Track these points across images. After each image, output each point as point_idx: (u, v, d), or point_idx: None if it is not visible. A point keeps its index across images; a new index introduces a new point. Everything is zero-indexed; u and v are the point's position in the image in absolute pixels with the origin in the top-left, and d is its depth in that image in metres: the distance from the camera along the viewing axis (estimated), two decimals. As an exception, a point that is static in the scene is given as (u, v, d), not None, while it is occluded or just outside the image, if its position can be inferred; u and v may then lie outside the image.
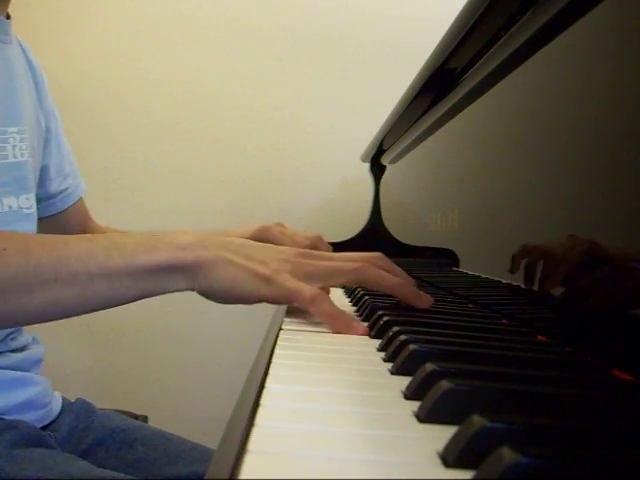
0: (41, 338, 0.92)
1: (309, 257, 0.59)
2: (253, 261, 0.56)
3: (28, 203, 0.82)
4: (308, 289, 0.54)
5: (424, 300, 0.59)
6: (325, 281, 0.58)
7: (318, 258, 0.59)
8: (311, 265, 0.58)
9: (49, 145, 0.95)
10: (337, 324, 0.53)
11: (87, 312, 0.58)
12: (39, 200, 0.90)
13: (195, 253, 0.55)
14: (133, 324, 1.69)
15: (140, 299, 0.56)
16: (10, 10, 0.86)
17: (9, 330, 0.81)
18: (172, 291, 0.56)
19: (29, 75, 0.90)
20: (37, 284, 0.52)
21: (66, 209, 0.99)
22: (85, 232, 1.03)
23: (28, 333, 0.89)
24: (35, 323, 0.58)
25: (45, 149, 0.93)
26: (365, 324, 0.55)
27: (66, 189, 0.99)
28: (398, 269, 0.61)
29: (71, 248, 0.54)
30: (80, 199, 1.03)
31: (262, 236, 0.98)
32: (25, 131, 0.83)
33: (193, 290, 0.56)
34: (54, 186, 0.96)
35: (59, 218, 0.98)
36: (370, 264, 0.58)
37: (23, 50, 0.90)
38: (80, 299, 0.54)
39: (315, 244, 0.97)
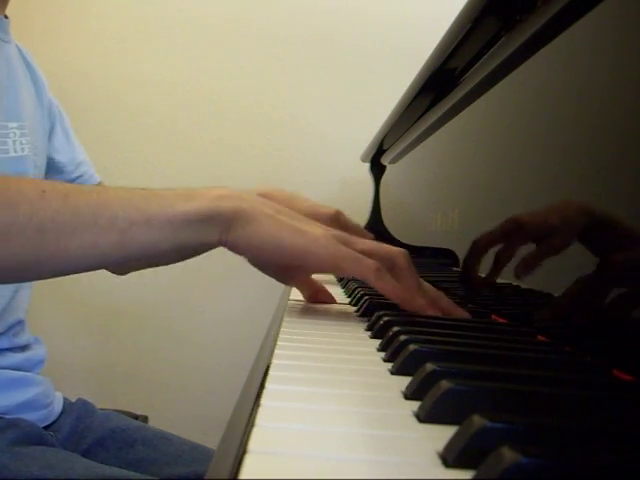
0: (43, 338, 0.92)
1: (338, 239, 0.56)
2: (299, 221, 0.54)
3: None
4: (372, 261, 0.52)
5: (424, 310, 0.56)
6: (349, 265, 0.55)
7: (344, 242, 0.56)
8: (353, 239, 0.56)
9: (55, 132, 0.95)
10: (404, 302, 0.53)
11: (124, 260, 0.56)
12: None
13: (233, 203, 0.54)
14: (134, 324, 1.69)
15: (177, 249, 0.55)
16: (9, 10, 0.87)
17: (12, 323, 0.81)
18: (208, 242, 0.55)
19: (27, 75, 0.91)
20: (75, 228, 0.51)
21: None
22: None
23: (31, 333, 0.89)
24: (74, 272, 0.56)
25: (50, 140, 0.94)
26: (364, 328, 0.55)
27: (81, 176, 0.99)
28: (413, 273, 0.57)
29: (110, 195, 0.54)
30: (99, 186, 1.02)
31: None
32: (25, 127, 0.84)
33: (226, 244, 0.55)
34: (66, 174, 0.97)
35: None
36: (381, 267, 0.55)
37: (20, 51, 0.91)
38: (118, 245, 0.53)
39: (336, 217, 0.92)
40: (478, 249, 0.63)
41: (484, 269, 0.67)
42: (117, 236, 0.52)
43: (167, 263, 0.98)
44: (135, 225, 0.52)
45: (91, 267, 0.56)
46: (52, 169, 0.95)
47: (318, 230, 0.54)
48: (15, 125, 0.82)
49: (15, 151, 0.82)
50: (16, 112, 0.83)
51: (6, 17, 0.86)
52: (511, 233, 0.57)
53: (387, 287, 0.54)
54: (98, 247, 0.52)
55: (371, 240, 0.59)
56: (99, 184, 1.02)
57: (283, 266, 0.60)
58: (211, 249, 0.57)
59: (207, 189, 0.56)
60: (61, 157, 0.96)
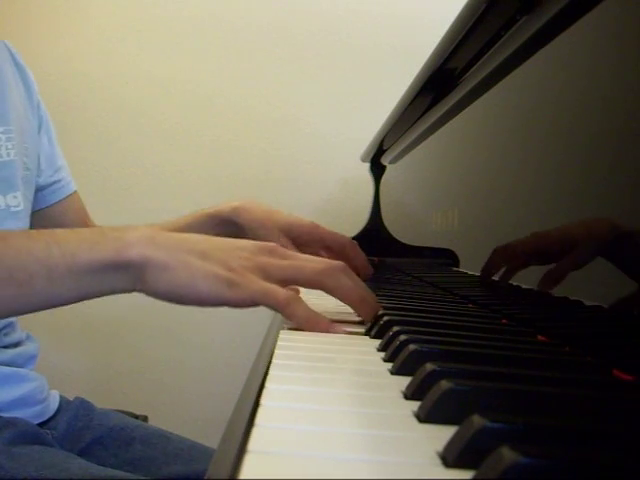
0: (40, 338, 0.92)
1: (272, 254, 0.55)
2: (211, 261, 0.51)
3: (15, 201, 0.83)
4: (282, 291, 0.50)
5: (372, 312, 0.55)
6: (286, 281, 0.54)
7: (282, 256, 0.55)
8: (273, 265, 0.53)
9: (40, 134, 0.94)
10: (316, 327, 0.51)
11: (27, 312, 0.55)
12: None
13: (141, 251, 0.51)
14: (133, 324, 1.69)
15: (84, 299, 0.53)
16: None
17: (1, 325, 0.81)
18: (118, 292, 0.53)
19: (17, 76, 0.91)
20: None
21: (59, 203, 0.97)
22: None
23: (22, 330, 0.89)
24: None
25: (38, 141, 0.94)
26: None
27: (58, 181, 0.97)
28: (358, 280, 0.56)
29: (9, 244, 0.51)
30: (75, 194, 1.00)
31: (230, 219, 0.87)
32: (12, 131, 0.84)
33: (140, 292, 0.52)
34: (44, 177, 0.95)
35: (53, 213, 0.96)
36: (333, 268, 0.54)
37: (10, 52, 0.91)
38: (18, 299, 0.51)
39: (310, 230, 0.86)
40: (499, 258, 0.63)
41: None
42: (15, 289, 0.50)
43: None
44: (35, 278, 0.50)
45: None
46: None
47: (234, 266, 0.52)
48: (1, 130, 0.82)
49: (0, 156, 0.82)
50: (2, 115, 0.83)
51: None
52: (534, 249, 0.56)
53: (302, 316, 0.51)
54: None
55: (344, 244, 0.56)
56: (74, 193, 1.00)
57: None
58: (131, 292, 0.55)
59: (120, 231, 0.53)
60: (42, 158, 0.95)
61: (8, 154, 0.83)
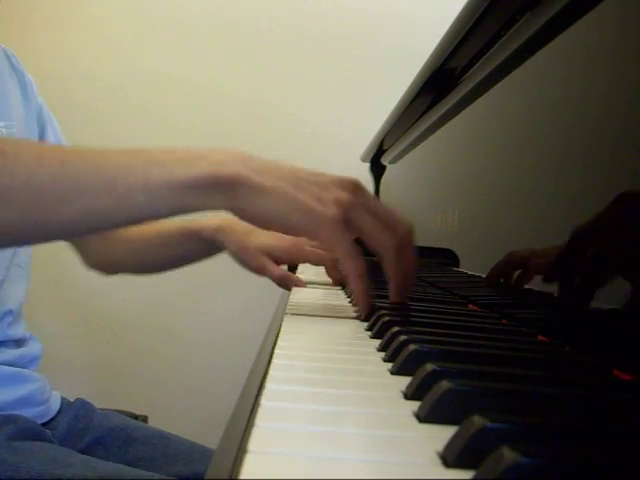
0: (41, 338, 0.92)
1: (356, 196, 0.55)
2: (305, 193, 0.53)
3: None
4: (359, 260, 0.53)
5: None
6: (362, 236, 0.56)
7: (364, 203, 0.55)
8: (360, 217, 0.54)
9: (46, 133, 0.95)
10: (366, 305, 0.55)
11: (123, 225, 0.56)
12: None
13: (237, 170, 0.52)
14: (133, 324, 1.69)
15: (179, 214, 0.54)
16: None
17: (6, 312, 0.82)
18: (212, 209, 0.53)
19: (14, 80, 0.91)
20: (73, 192, 0.50)
21: None
22: None
23: (25, 329, 0.89)
24: (72, 236, 0.56)
25: (42, 140, 0.94)
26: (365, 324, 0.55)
27: None
28: (413, 255, 0.58)
29: (109, 159, 0.52)
30: None
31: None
32: (13, 126, 0.84)
33: (232, 211, 0.53)
34: None
35: None
36: (397, 252, 0.55)
37: (7, 57, 0.92)
38: (117, 211, 0.51)
39: None
40: (511, 262, 0.63)
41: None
42: (115, 201, 0.51)
43: (163, 270, 0.98)
44: (134, 190, 0.51)
45: (89, 231, 0.55)
46: None
47: (327, 201, 0.53)
48: (2, 124, 0.83)
49: None
50: (3, 112, 0.83)
51: None
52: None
53: (355, 287, 0.55)
54: (96, 211, 0.51)
55: (378, 212, 0.57)
56: None
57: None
58: (213, 253, 0.57)
59: (210, 151, 0.54)
60: None
61: None
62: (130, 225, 0.56)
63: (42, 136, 0.95)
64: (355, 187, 0.55)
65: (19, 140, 0.72)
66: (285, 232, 0.55)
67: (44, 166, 0.50)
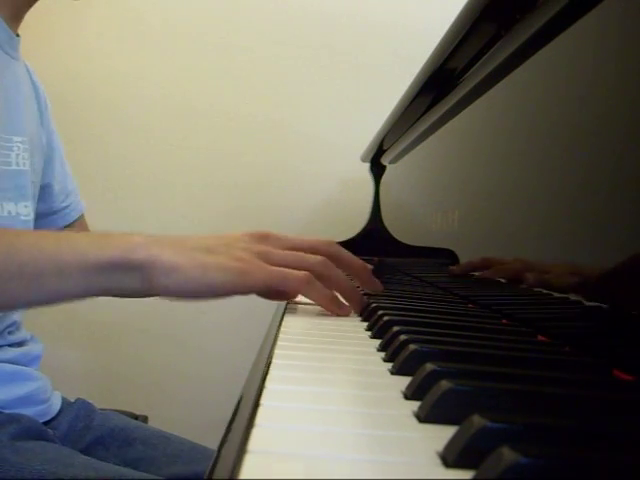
0: (42, 339, 0.92)
1: (266, 240, 0.58)
2: (218, 255, 0.54)
3: (26, 211, 0.85)
4: (294, 276, 0.54)
5: (343, 310, 0.60)
6: (288, 267, 0.56)
7: (276, 241, 0.58)
8: (274, 253, 0.56)
9: (53, 163, 0.98)
10: (333, 307, 0.57)
11: (36, 306, 0.56)
12: (42, 216, 0.94)
13: (146, 251, 0.52)
14: (133, 324, 1.69)
15: (92, 296, 0.54)
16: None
17: (6, 324, 0.82)
18: (127, 291, 0.54)
19: (33, 95, 0.94)
20: None
21: (67, 226, 1.02)
22: None
23: (26, 332, 0.89)
24: None
25: (48, 166, 0.97)
26: (365, 324, 0.55)
27: (68, 206, 1.02)
28: (336, 276, 0.59)
29: (21, 240, 0.53)
30: (82, 216, 1.05)
31: None
32: (27, 142, 0.86)
33: (151, 292, 0.53)
34: (57, 202, 1.00)
35: None
36: (310, 277, 0.56)
37: (28, 71, 0.93)
38: (29, 292, 0.52)
39: None
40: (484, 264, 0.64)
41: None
42: (26, 283, 0.51)
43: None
44: (44, 273, 0.51)
45: (2, 310, 0.56)
46: (47, 195, 0.97)
47: (240, 255, 0.54)
48: (19, 140, 0.84)
49: (17, 164, 0.84)
50: (21, 127, 0.85)
51: (17, 35, 0.87)
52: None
53: (320, 297, 0.57)
54: (7, 293, 0.51)
55: (295, 245, 0.59)
56: (81, 216, 1.04)
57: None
58: (147, 296, 0.56)
59: (123, 235, 0.54)
60: (56, 186, 0.99)
61: (24, 164, 0.85)
62: (42, 306, 0.55)
63: (51, 161, 0.97)
64: (263, 235, 0.59)
65: None
66: (214, 297, 0.54)
67: None
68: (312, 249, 0.59)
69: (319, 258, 0.58)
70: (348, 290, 0.61)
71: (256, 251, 0.55)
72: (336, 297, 0.60)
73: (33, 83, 0.94)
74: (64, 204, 1.01)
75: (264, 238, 0.58)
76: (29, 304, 0.55)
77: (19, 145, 0.84)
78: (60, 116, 1.03)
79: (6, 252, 0.51)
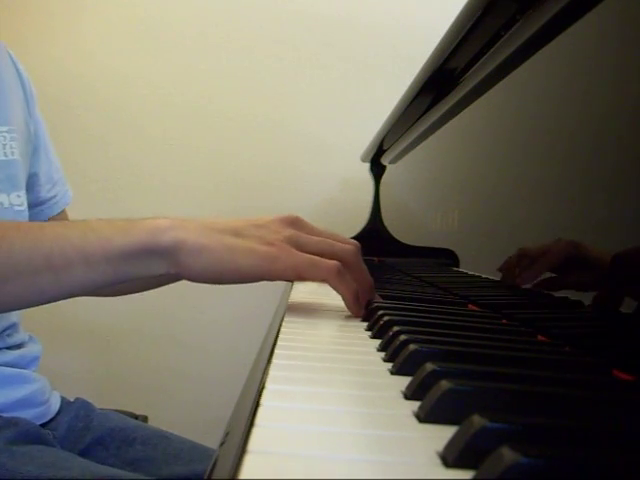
0: (40, 339, 0.92)
1: (295, 225, 0.56)
2: (247, 238, 0.53)
3: (19, 200, 0.84)
4: (326, 265, 0.53)
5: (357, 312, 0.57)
6: (317, 255, 0.55)
7: (305, 227, 0.57)
8: (304, 238, 0.55)
9: (38, 152, 0.96)
10: (355, 303, 0.54)
11: (65, 297, 0.56)
12: (29, 207, 0.91)
13: (173, 235, 0.52)
14: (133, 324, 1.69)
15: (120, 283, 0.55)
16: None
17: (4, 326, 0.82)
18: (153, 275, 0.54)
19: (18, 84, 0.92)
20: (10, 271, 0.51)
21: (53, 217, 0.99)
22: None
23: (25, 331, 0.89)
24: (12, 310, 0.57)
25: (34, 156, 0.95)
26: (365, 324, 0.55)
27: (55, 196, 0.99)
28: (362, 269, 0.58)
29: (45, 232, 0.53)
30: (63, 211, 1.02)
31: None
32: (15, 131, 0.84)
33: (177, 274, 0.53)
34: (43, 192, 0.97)
35: None
36: (340, 267, 0.55)
37: (12, 60, 0.92)
38: (57, 284, 0.52)
39: None
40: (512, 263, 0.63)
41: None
42: (53, 275, 0.51)
43: (137, 291, 0.99)
44: (72, 263, 0.51)
45: (32, 305, 0.56)
46: (33, 185, 0.95)
47: (270, 240, 0.53)
48: (5, 129, 0.83)
49: (5, 155, 0.82)
50: (5, 116, 0.84)
51: None
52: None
53: (348, 290, 0.55)
54: (35, 287, 0.52)
55: (322, 235, 0.58)
56: (63, 213, 1.02)
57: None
58: (170, 281, 0.56)
59: (147, 220, 0.54)
60: (42, 175, 0.97)
61: (12, 153, 0.83)
62: (70, 297, 0.56)
63: (37, 150, 0.95)
64: (293, 220, 0.56)
65: None
66: (240, 281, 0.53)
67: None
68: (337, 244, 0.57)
69: (350, 247, 0.56)
70: (368, 289, 0.58)
71: (286, 235, 0.54)
72: (361, 292, 0.57)
73: (18, 72, 0.93)
74: (50, 194, 0.98)
75: (294, 222, 0.56)
76: (59, 296, 0.55)
77: (5, 135, 0.83)
78: (58, 117, 1.03)
79: (32, 246, 0.51)
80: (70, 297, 0.56)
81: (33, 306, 0.56)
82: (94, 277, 0.52)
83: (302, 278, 0.54)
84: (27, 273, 0.51)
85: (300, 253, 0.53)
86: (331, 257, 0.55)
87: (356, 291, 0.55)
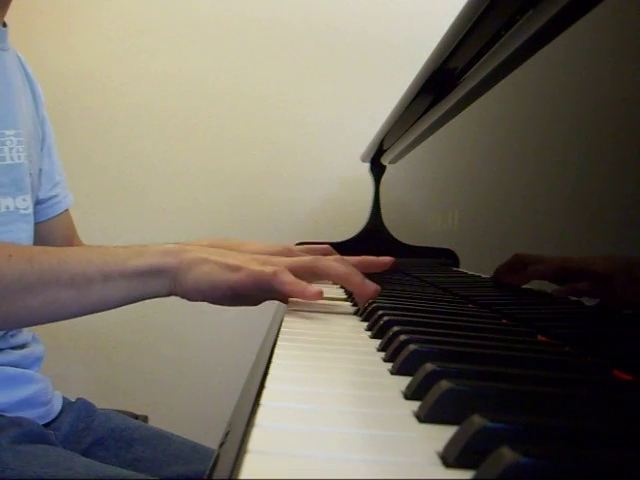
0: (42, 338, 0.92)
1: (266, 260, 0.64)
2: (226, 257, 0.62)
3: (25, 204, 0.84)
4: (269, 268, 0.59)
5: (370, 289, 0.62)
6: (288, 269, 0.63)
7: (274, 262, 0.64)
8: (275, 261, 0.63)
9: (42, 152, 0.96)
10: (297, 292, 0.59)
11: (84, 313, 0.63)
12: None
13: (179, 257, 0.61)
14: (133, 324, 1.69)
15: (130, 301, 0.63)
16: (9, 12, 0.87)
17: None
18: (158, 294, 0.62)
19: (26, 85, 0.92)
20: (40, 286, 0.58)
21: (52, 218, 0.98)
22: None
23: (28, 331, 0.89)
24: (37, 324, 0.65)
25: (40, 155, 0.95)
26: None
27: (55, 196, 0.99)
28: (351, 267, 0.64)
29: (70, 255, 0.61)
30: (67, 212, 1.02)
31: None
32: (21, 134, 0.84)
33: (175, 294, 0.62)
34: (43, 192, 0.96)
35: (44, 227, 0.96)
36: (324, 257, 0.64)
37: (20, 61, 0.92)
38: (78, 300, 0.60)
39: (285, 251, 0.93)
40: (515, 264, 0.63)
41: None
42: (76, 292, 0.60)
43: None
44: (93, 281, 0.60)
45: (56, 319, 0.64)
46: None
47: (244, 258, 0.62)
48: (12, 133, 0.83)
49: (12, 159, 0.83)
50: (13, 120, 0.84)
51: (4, 25, 0.86)
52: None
53: (285, 283, 0.60)
54: (59, 303, 0.60)
55: (302, 258, 0.66)
56: (66, 211, 1.02)
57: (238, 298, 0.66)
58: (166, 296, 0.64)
59: (156, 246, 0.63)
60: (43, 172, 0.96)
61: (19, 157, 0.84)
62: (87, 314, 0.64)
63: (42, 148, 0.95)
64: (283, 252, 0.68)
65: None
66: (213, 294, 0.62)
67: (13, 265, 0.58)
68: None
69: (312, 257, 0.64)
70: (342, 275, 0.63)
71: (263, 259, 0.63)
72: (301, 283, 0.61)
73: (26, 73, 0.93)
74: (51, 193, 0.98)
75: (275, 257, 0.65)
76: (77, 312, 0.62)
77: (12, 139, 0.83)
78: (64, 115, 1.03)
79: (57, 265, 0.59)
80: (86, 314, 0.63)
81: (55, 320, 0.64)
82: (110, 294, 0.61)
83: (267, 286, 0.60)
84: (54, 289, 0.58)
85: (258, 266, 0.60)
86: (301, 269, 0.63)
87: (294, 282, 0.60)
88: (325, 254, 0.85)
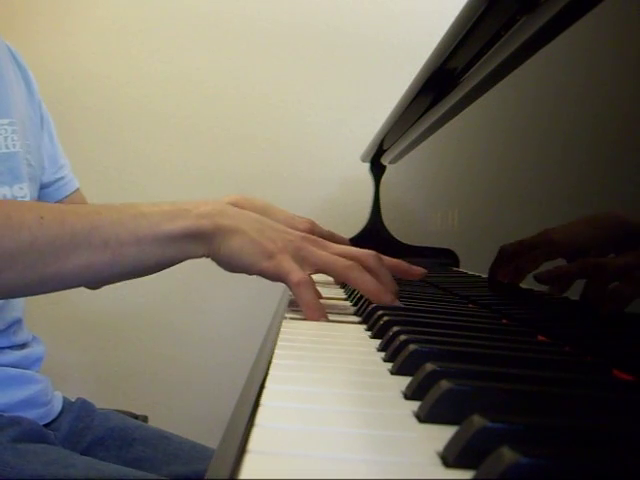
0: (42, 338, 0.92)
1: (313, 243, 0.61)
2: (263, 236, 0.59)
3: (22, 192, 0.84)
4: (297, 274, 0.57)
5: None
6: (317, 270, 0.61)
7: (320, 246, 0.62)
8: (311, 253, 0.60)
9: (43, 132, 0.96)
10: (310, 314, 0.57)
11: (117, 277, 0.62)
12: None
13: (214, 221, 0.59)
14: (133, 323, 1.69)
15: (165, 266, 0.61)
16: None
17: (10, 322, 0.82)
18: (192, 257, 0.60)
19: (18, 75, 0.92)
20: (72, 249, 0.56)
21: (62, 200, 0.99)
22: None
23: (29, 332, 0.89)
24: (69, 287, 0.62)
25: (41, 136, 0.95)
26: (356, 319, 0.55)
27: (61, 178, 0.99)
28: (384, 272, 0.61)
29: (103, 217, 0.59)
30: (78, 191, 1.03)
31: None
32: (15, 123, 0.85)
33: (208, 257, 0.60)
34: (47, 175, 0.96)
35: None
36: (359, 265, 0.60)
37: (10, 52, 0.92)
38: (111, 263, 0.58)
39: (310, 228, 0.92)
40: (505, 256, 0.64)
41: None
42: (110, 255, 0.57)
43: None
44: (126, 245, 0.58)
45: (87, 283, 0.62)
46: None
47: (280, 243, 0.59)
48: (6, 122, 0.83)
49: (7, 147, 0.83)
50: (6, 109, 0.84)
51: None
52: (540, 246, 0.57)
53: (302, 299, 0.57)
54: (92, 266, 0.58)
55: (344, 245, 0.64)
56: (77, 190, 1.03)
57: None
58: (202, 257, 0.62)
59: (194, 205, 0.61)
60: (45, 158, 0.97)
61: (14, 145, 0.84)
62: (122, 279, 0.62)
63: (41, 128, 0.95)
64: (310, 237, 0.62)
65: (22, 203, 0.76)
66: (242, 269, 0.60)
67: (45, 228, 0.56)
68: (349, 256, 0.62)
69: (347, 263, 0.60)
70: (372, 292, 0.60)
71: (297, 245, 0.60)
72: (318, 304, 0.58)
73: (18, 65, 0.93)
74: (57, 176, 0.98)
75: (314, 241, 0.62)
76: (112, 275, 0.60)
77: (6, 128, 0.83)
78: (65, 114, 1.03)
79: (90, 228, 0.57)
80: (120, 277, 0.61)
81: (88, 284, 0.63)
82: (144, 258, 0.59)
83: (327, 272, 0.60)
84: (87, 252, 0.57)
85: (289, 262, 0.58)
86: (333, 274, 0.61)
87: (311, 303, 0.58)
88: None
